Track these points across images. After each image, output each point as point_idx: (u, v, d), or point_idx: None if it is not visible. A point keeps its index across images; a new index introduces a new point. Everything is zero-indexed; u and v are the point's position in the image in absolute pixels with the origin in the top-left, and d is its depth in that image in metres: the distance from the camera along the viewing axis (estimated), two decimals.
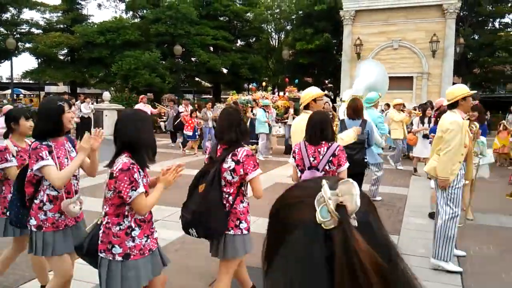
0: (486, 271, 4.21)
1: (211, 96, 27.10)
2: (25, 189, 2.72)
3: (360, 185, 5.16)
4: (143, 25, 25.58)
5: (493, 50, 23.46)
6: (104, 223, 2.34)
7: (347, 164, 3.32)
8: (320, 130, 3.30)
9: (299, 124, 4.12)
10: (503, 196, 7.11)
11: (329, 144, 3.32)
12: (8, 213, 2.99)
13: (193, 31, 24.40)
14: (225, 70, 28.28)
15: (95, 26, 25.18)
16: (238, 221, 2.73)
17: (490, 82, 27.58)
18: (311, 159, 3.31)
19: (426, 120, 8.82)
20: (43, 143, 2.62)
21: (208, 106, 12.85)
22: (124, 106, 17.41)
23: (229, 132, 2.78)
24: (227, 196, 2.73)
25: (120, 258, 2.28)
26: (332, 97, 27.75)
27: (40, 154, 2.56)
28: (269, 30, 31.69)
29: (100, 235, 2.34)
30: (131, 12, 28.61)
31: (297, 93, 19.20)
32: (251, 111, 12.77)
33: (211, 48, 27.36)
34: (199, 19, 25.21)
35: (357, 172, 4.35)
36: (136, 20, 28.12)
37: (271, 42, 32.06)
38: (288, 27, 30.31)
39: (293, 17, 28.59)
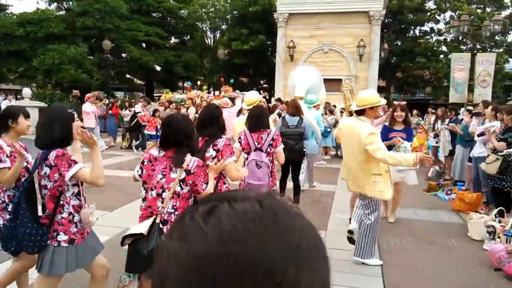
0: (405, 261, 4.46)
1: (142, 94, 26.14)
2: (44, 205, 2.53)
3: (298, 170, 5.33)
4: (69, 17, 23.95)
5: (414, 56, 25.27)
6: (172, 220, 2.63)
7: (282, 146, 4.23)
8: (259, 120, 4.20)
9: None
10: (421, 191, 7.63)
11: (268, 131, 4.21)
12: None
13: (124, 26, 23.34)
14: (158, 68, 27.45)
15: (15, 17, 23.17)
16: None
17: (411, 86, 29.67)
18: (256, 143, 4.14)
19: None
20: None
21: (172, 108, 12.40)
22: (47, 103, 16.17)
23: (210, 126, 3.34)
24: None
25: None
26: (268, 97, 28.15)
27: (72, 159, 2.53)
28: (204, 29, 31.38)
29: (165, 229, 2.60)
30: (55, 4, 26.72)
31: (233, 92, 19.23)
32: (186, 110, 12.52)
33: (144, 45, 26.39)
34: (130, 13, 24.16)
35: (297, 160, 5.79)
36: (61, 13, 26.31)
37: (206, 41, 31.76)
38: (223, 27, 30.24)
39: (228, 17, 28.57)
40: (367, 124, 4.05)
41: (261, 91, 31.33)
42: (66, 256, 2.52)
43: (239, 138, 4.22)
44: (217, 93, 19.30)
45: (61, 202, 2.55)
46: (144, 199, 2.74)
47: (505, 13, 24.83)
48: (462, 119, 8.48)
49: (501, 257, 4.25)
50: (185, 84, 19.75)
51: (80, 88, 22.90)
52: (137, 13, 25.36)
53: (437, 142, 9.43)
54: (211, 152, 3.28)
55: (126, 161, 10.65)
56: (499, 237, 4.84)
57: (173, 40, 29.70)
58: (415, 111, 12.66)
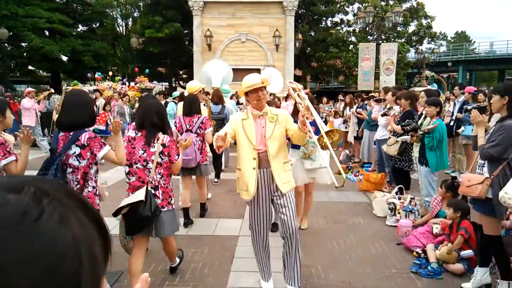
0: (315, 242, 4.61)
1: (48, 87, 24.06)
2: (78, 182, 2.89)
3: (220, 156, 5.93)
4: None
5: (327, 46, 26.41)
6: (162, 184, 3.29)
7: (210, 128, 5.06)
8: (191, 107, 5.06)
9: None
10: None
11: (199, 116, 5.06)
12: None
13: (22, 12, 21.17)
14: (64, 58, 25.42)
15: None
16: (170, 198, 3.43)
17: (325, 75, 31.09)
18: (187, 126, 5.02)
19: None
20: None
21: (124, 100, 11.35)
22: None
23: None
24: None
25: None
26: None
27: (102, 141, 2.94)
28: (115, 16, 29.66)
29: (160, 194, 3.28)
30: None
31: (149, 83, 18.48)
32: (94, 101, 11.72)
33: (46, 33, 24.22)
34: None
35: None
36: None
37: (118, 29, 30.08)
38: (135, 14, 28.84)
39: (140, 3, 27.30)
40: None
41: (180, 82, 30.65)
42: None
43: (175, 122, 5.16)
44: (132, 84, 18.45)
45: (87, 178, 2.93)
46: (129, 173, 3.31)
47: (405, 5, 26.96)
48: (366, 105, 9.02)
49: (407, 232, 4.59)
50: (95, 75, 18.53)
51: None
52: None
53: (346, 128, 9.95)
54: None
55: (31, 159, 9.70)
56: (399, 213, 5.22)
57: (80, 28, 27.68)
58: (324, 99, 13.27)
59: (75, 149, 2.87)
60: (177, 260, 3.84)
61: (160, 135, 3.29)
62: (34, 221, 0.40)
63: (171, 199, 3.37)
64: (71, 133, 2.89)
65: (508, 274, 3.45)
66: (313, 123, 4.05)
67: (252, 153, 3.24)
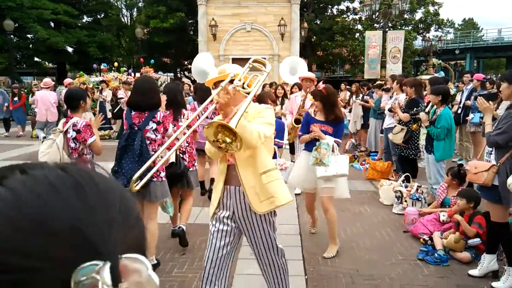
0: (321, 230, 4.64)
1: (51, 78, 24.13)
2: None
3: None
4: None
5: (332, 34, 26.18)
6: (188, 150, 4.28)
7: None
8: (205, 95, 4.81)
9: None
10: None
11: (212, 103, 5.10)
12: None
13: (27, 3, 21.13)
14: (70, 49, 25.45)
15: None
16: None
17: (331, 64, 30.85)
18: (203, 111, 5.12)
19: (279, 101, 8.92)
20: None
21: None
22: None
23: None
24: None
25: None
26: (192, 77, 27.54)
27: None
28: (119, 6, 29.58)
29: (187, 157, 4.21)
30: None
31: (154, 74, 18.48)
32: (100, 92, 11.78)
33: (52, 24, 24.22)
34: None
35: None
36: None
37: (123, 19, 30.02)
38: (140, 4, 28.73)
39: None
40: None
41: (185, 72, 30.60)
42: (163, 187, 3.54)
43: (190, 109, 5.22)
44: (137, 74, 18.45)
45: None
46: (161, 143, 3.57)
47: None
48: (373, 93, 8.97)
49: (414, 219, 4.61)
50: (101, 66, 18.55)
51: None
52: None
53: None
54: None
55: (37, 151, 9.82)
56: (405, 201, 5.23)
57: (85, 19, 27.62)
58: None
59: (152, 125, 3.46)
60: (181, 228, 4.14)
61: (185, 111, 4.25)
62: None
63: (195, 162, 4.38)
64: (146, 112, 3.46)
65: None
66: (330, 123, 3.96)
67: (222, 164, 2.57)
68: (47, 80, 11.14)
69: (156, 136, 3.47)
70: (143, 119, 3.49)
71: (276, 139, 3.67)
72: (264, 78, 2.64)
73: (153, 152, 3.36)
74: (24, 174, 0.44)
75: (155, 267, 3.64)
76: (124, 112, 4.05)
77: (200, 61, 6.71)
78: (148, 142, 3.44)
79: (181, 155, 4.07)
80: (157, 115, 3.48)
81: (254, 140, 2.30)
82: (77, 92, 3.96)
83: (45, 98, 10.39)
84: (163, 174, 3.58)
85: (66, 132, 3.54)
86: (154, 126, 3.45)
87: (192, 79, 26.95)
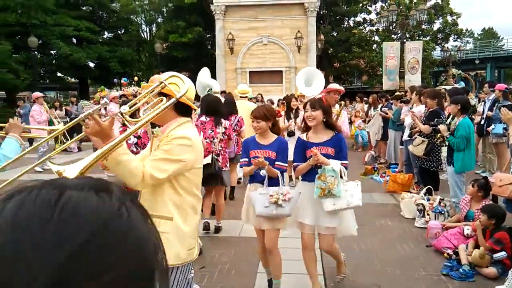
0: (345, 243, 4.55)
1: (75, 93, 24.80)
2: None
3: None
4: None
5: (349, 46, 26.16)
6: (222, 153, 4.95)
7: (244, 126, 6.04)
8: (231, 107, 6.13)
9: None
10: (358, 176, 7.90)
11: (235, 115, 6.10)
12: None
13: (51, 21, 21.85)
14: (91, 64, 26.11)
15: None
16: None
17: (348, 75, 30.78)
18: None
19: (292, 113, 8.35)
20: None
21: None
22: None
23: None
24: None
25: None
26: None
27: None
28: (139, 22, 30.28)
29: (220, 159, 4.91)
30: None
31: None
32: (120, 106, 12.02)
33: (74, 40, 24.95)
34: (56, 8, 22.67)
35: None
36: None
37: (142, 35, 30.69)
38: (159, 20, 29.35)
39: (163, 9, 27.77)
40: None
41: None
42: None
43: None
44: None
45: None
46: None
47: (430, 3, 26.43)
48: (392, 104, 8.88)
49: (437, 233, 4.50)
50: (121, 81, 18.95)
51: (7, 90, 21.22)
52: (65, 7, 23.91)
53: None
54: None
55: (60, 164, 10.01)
56: (428, 214, 5.12)
57: (106, 34, 28.38)
58: (347, 101, 13.08)
59: (222, 129, 4.91)
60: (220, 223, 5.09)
61: (222, 120, 4.99)
62: (127, 216, 0.44)
63: (227, 163, 5.10)
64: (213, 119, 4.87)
65: None
66: (329, 143, 3.23)
67: None
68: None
69: (223, 137, 4.97)
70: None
71: (277, 162, 3.30)
72: (169, 104, 2.00)
73: (220, 148, 4.92)
74: (28, 194, 0.43)
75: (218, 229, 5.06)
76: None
77: (203, 77, 6.93)
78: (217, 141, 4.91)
79: (215, 157, 4.79)
80: (223, 123, 4.99)
81: (133, 182, 1.94)
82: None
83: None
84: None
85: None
86: (223, 130, 4.93)
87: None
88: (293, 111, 7.34)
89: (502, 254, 3.78)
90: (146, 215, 0.48)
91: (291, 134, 6.71)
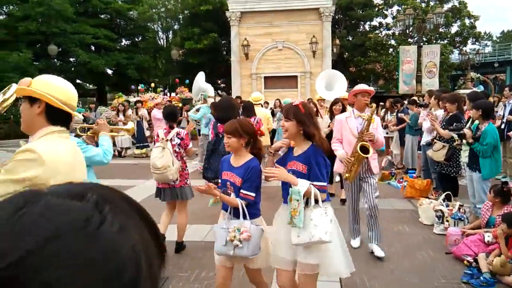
0: (362, 250, 4.52)
1: (94, 99, 25.24)
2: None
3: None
4: (9, 23, 22.67)
5: (365, 50, 25.99)
6: None
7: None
8: (249, 111, 6.02)
9: None
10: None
11: (254, 117, 5.92)
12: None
13: (70, 29, 22.36)
14: (109, 71, 26.58)
15: None
16: None
17: (364, 80, 30.52)
18: None
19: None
20: None
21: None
22: None
23: (229, 112, 4.44)
24: None
25: None
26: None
27: None
28: (156, 29, 30.71)
29: None
30: None
31: (189, 93, 18.97)
32: (136, 112, 12.20)
33: (93, 48, 25.45)
34: (76, 16, 23.19)
35: None
36: (0, 18, 24.85)
37: (159, 42, 31.11)
38: (175, 27, 29.72)
39: (180, 16, 28.11)
40: None
41: (219, 91, 31.14)
42: None
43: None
44: (173, 94, 18.97)
45: None
46: None
47: (447, 6, 26.09)
48: (408, 109, 8.77)
49: (456, 240, 4.41)
50: (138, 87, 19.22)
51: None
52: (84, 15, 24.45)
53: (387, 133, 9.69)
54: None
55: None
56: (447, 221, 5.02)
57: (124, 42, 28.90)
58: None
59: None
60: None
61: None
62: (96, 228, 0.40)
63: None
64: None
65: None
66: (300, 158, 2.71)
67: None
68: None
69: None
70: None
71: (242, 190, 2.76)
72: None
73: None
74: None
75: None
76: (212, 123, 5.19)
77: (199, 81, 7.09)
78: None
79: None
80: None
81: None
82: (175, 109, 5.11)
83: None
84: None
85: (170, 140, 4.40)
86: None
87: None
88: None
89: None
90: (131, 225, 0.44)
91: None
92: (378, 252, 4.29)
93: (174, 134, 4.43)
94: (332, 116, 6.18)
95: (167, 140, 4.35)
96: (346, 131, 4.40)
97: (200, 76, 7.40)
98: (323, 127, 6.01)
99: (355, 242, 4.60)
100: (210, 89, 7.76)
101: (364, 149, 4.04)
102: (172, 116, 4.67)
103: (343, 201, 6.00)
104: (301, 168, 2.66)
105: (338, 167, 4.53)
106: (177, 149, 4.41)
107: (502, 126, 7.67)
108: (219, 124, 4.74)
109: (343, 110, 5.98)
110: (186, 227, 4.59)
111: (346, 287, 3.71)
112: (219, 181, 3.03)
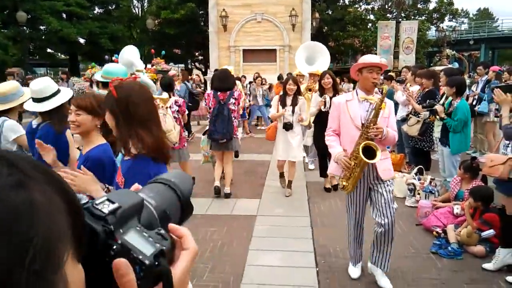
0: (333, 222, 4.63)
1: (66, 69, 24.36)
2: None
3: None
4: None
5: (344, 25, 25.85)
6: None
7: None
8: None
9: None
10: None
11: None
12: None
13: None
14: (82, 40, 25.57)
15: None
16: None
17: (343, 55, 30.55)
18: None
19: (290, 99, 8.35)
20: None
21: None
22: None
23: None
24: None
25: None
26: (203, 69, 27.52)
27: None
28: None
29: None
30: None
31: (165, 65, 18.53)
32: None
33: (64, 15, 24.33)
34: None
35: None
36: None
37: (134, 10, 30.01)
38: None
39: None
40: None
41: (196, 63, 30.56)
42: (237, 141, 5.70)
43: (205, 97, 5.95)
44: (148, 66, 18.51)
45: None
46: None
47: None
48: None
49: (427, 212, 4.55)
50: (113, 58, 18.62)
51: None
52: None
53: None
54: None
55: None
56: (418, 194, 5.17)
57: (97, 10, 27.68)
58: (345, 79, 12.98)
59: (232, 100, 5.34)
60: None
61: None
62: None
63: (237, 131, 5.59)
64: (228, 92, 5.32)
65: None
66: None
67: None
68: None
69: (235, 107, 5.38)
70: (226, 97, 5.31)
71: None
72: None
73: (234, 118, 5.34)
74: None
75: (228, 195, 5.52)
76: (211, 92, 5.44)
77: (127, 54, 6.88)
78: (230, 111, 5.29)
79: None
80: (235, 93, 5.39)
81: None
82: (172, 80, 5.83)
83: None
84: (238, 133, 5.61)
85: (170, 107, 4.89)
86: (233, 100, 5.35)
87: (203, 70, 26.94)
88: (290, 97, 5.51)
89: (490, 232, 3.84)
90: (30, 184, 0.41)
91: (287, 127, 5.42)
92: (385, 283, 3.26)
93: (172, 102, 5.05)
94: (322, 93, 5.50)
95: (167, 108, 4.77)
96: (346, 120, 3.19)
97: (128, 49, 7.26)
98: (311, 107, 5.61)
99: (355, 271, 3.49)
100: (137, 63, 7.66)
101: (369, 151, 3.01)
102: (169, 86, 5.38)
103: (327, 189, 5.81)
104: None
105: (333, 169, 3.39)
106: (176, 115, 5.01)
107: (474, 103, 7.85)
108: (219, 93, 5.32)
109: (321, 89, 5.49)
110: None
111: (321, 257, 3.80)
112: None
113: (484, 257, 3.76)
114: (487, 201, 4.03)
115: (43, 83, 2.86)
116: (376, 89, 3.29)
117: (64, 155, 2.74)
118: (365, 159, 2.94)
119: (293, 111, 5.41)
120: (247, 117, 11.36)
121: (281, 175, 5.94)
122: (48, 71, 31.68)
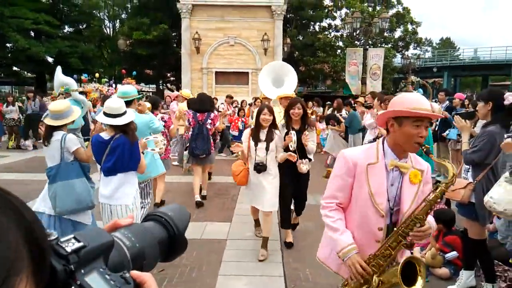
0: (304, 244, 4.64)
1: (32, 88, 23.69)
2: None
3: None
4: None
5: (314, 50, 26.59)
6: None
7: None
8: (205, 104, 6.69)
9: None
10: (321, 178, 8.04)
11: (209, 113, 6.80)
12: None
13: (7, 12, 20.73)
14: (50, 59, 25.04)
15: None
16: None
17: (313, 79, 31.27)
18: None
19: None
20: None
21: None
22: None
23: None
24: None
25: None
26: (175, 90, 27.42)
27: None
28: (102, 17, 29.39)
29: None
30: None
31: (136, 85, 18.37)
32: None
33: (32, 34, 23.83)
34: None
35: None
36: None
37: (105, 30, 29.79)
38: (123, 16, 28.63)
39: (128, 5, 27.12)
40: None
41: (168, 84, 30.45)
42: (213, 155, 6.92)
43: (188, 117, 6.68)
44: (119, 86, 18.28)
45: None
46: None
47: (392, 11, 27.34)
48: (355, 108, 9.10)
49: None
50: (82, 77, 18.30)
51: None
52: None
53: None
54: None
55: (14, 162, 9.55)
56: None
57: (67, 29, 27.29)
58: (315, 103, 13.25)
59: (209, 120, 6.27)
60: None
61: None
62: None
63: (214, 147, 6.75)
64: (206, 113, 6.28)
65: (493, 277, 3.52)
66: None
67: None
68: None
69: (211, 127, 6.32)
70: (204, 117, 6.26)
71: None
72: None
73: (210, 136, 6.32)
74: None
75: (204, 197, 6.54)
76: (191, 114, 6.33)
77: (60, 75, 7.23)
78: (206, 130, 6.24)
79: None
80: (212, 115, 6.35)
81: None
82: (157, 99, 6.80)
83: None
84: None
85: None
86: (210, 121, 6.28)
87: (174, 90, 26.83)
88: (267, 130, 4.37)
89: (454, 254, 3.96)
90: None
91: (260, 168, 4.32)
92: None
93: (159, 118, 5.71)
94: (289, 125, 4.46)
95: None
96: (363, 195, 2.07)
97: (59, 71, 7.44)
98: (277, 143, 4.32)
99: None
100: (72, 82, 7.80)
101: (408, 274, 1.88)
102: (154, 105, 6.09)
103: (287, 244, 4.67)
104: None
105: (330, 261, 2.46)
106: (163, 129, 5.71)
107: (436, 128, 8.19)
108: (198, 114, 6.27)
109: (288, 119, 4.45)
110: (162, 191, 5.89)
111: (291, 281, 3.78)
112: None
113: (449, 279, 3.86)
114: (449, 223, 4.16)
115: (120, 103, 3.48)
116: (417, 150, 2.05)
117: (137, 161, 3.62)
118: (404, 285, 1.83)
119: (267, 148, 4.27)
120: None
121: (257, 223, 5.00)
122: (14, 89, 30.70)
